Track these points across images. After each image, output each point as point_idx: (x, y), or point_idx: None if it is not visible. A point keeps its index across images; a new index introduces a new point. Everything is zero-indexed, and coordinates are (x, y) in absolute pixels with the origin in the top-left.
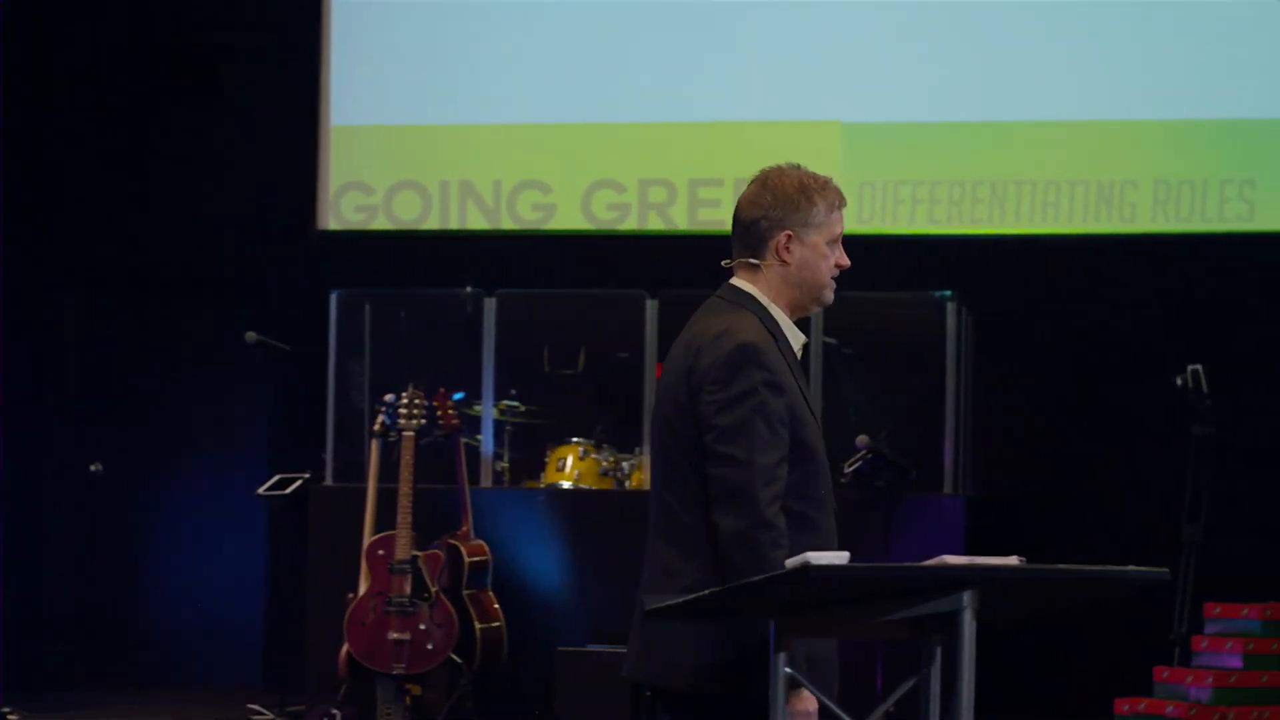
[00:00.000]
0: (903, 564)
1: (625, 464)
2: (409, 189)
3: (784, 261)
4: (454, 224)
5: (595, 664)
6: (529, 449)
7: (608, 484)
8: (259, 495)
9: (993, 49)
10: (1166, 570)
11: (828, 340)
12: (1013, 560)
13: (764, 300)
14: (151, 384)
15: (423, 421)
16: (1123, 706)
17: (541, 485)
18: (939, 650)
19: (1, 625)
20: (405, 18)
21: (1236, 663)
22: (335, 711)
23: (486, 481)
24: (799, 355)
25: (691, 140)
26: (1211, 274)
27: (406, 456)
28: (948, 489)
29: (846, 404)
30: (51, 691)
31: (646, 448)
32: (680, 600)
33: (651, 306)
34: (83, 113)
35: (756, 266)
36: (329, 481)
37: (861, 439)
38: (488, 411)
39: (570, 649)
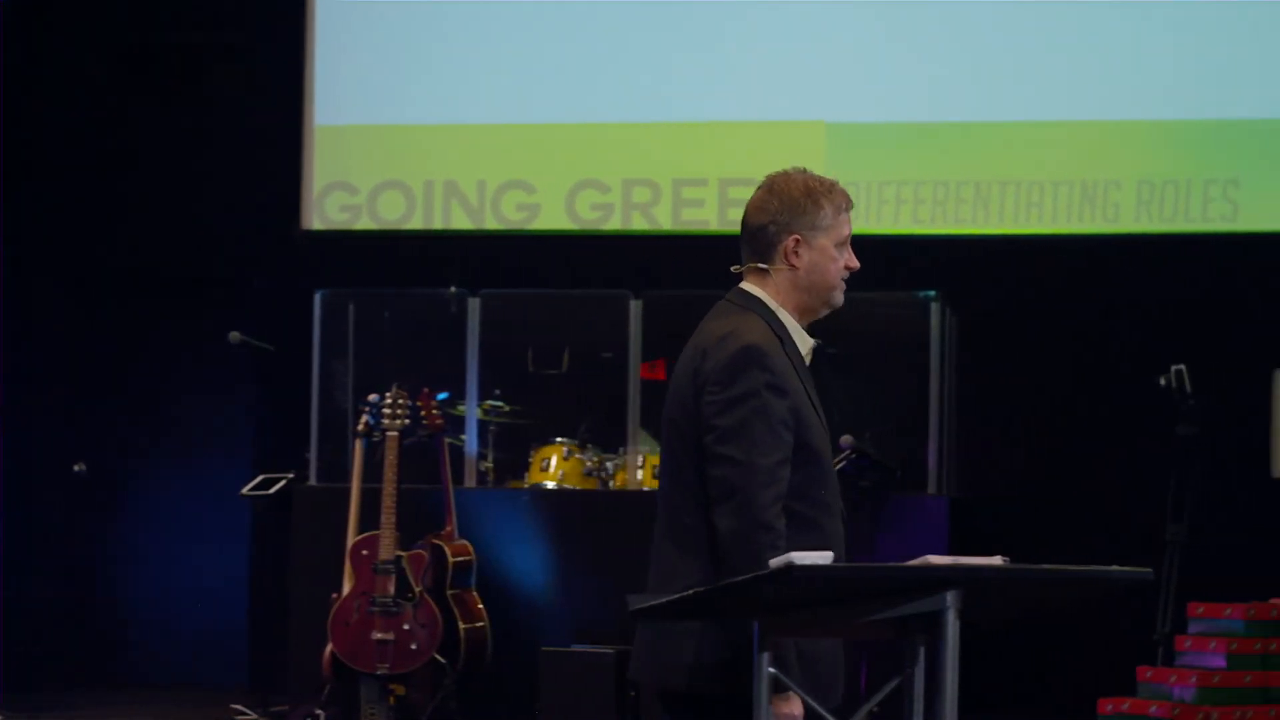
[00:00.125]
0: (886, 564)
1: (609, 464)
2: (393, 189)
3: (793, 265)
4: (438, 224)
5: (579, 664)
6: (513, 449)
7: (592, 484)
8: (243, 495)
9: (976, 49)
10: (1150, 570)
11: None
12: (996, 560)
13: (772, 304)
14: (135, 384)
15: (407, 421)
16: (1106, 706)
17: (525, 485)
18: (922, 650)
19: None
20: (389, 18)
21: (1220, 662)
22: (319, 712)
23: (470, 481)
24: (808, 359)
25: (675, 140)
26: (1195, 274)
27: (390, 456)
28: (932, 489)
29: (831, 404)
30: (34, 692)
31: (630, 447)
32: (663, 600)
33: (635, 306)
34: (67, 112)
35: (765, 271)
36: (313, 481)
37: (846, 439)
38: (472, 411)
39: (554, 649)
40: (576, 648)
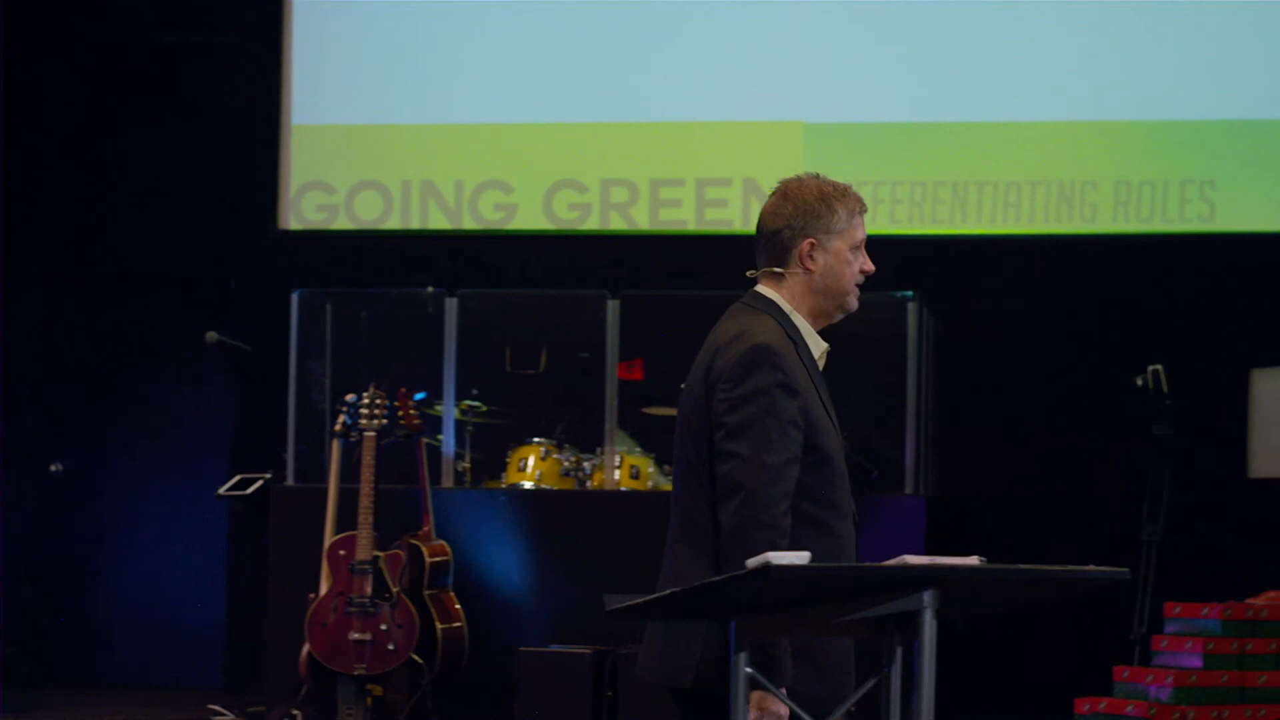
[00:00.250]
0: (864, 564)
1: (587, 464)
2: (370, 189)
3: (808, 269)
4: (415, 224)
5: (557, 664)
6: (490, 449)
7: (569, 484)
8: (219, 495)
9: (954, 50)
10: (1127, 570)
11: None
12: (973, 560)
13: (786, 307)
14: (112, 383)
15: (384, 421)
16: (1083, 706)
17: (503, 485)
18: (900, 650)
19: None
20: (367, 18)
21: (1196, 662)
22: (296, 712)
23: (448, 481)
24: (821, 362)
25: (653, 140)
26: (1172, 274)
27: (367, 457)
28: (909, 489)
29: None
30: (11, 692)
31: (608, 448)
32: (640, 600)
33: (613, 306)
34: (45, 112)
35: (781, 275)
36: (290, 481)
37: None
38: (449, 411)
39: (532, 649)
40: (554, 648)
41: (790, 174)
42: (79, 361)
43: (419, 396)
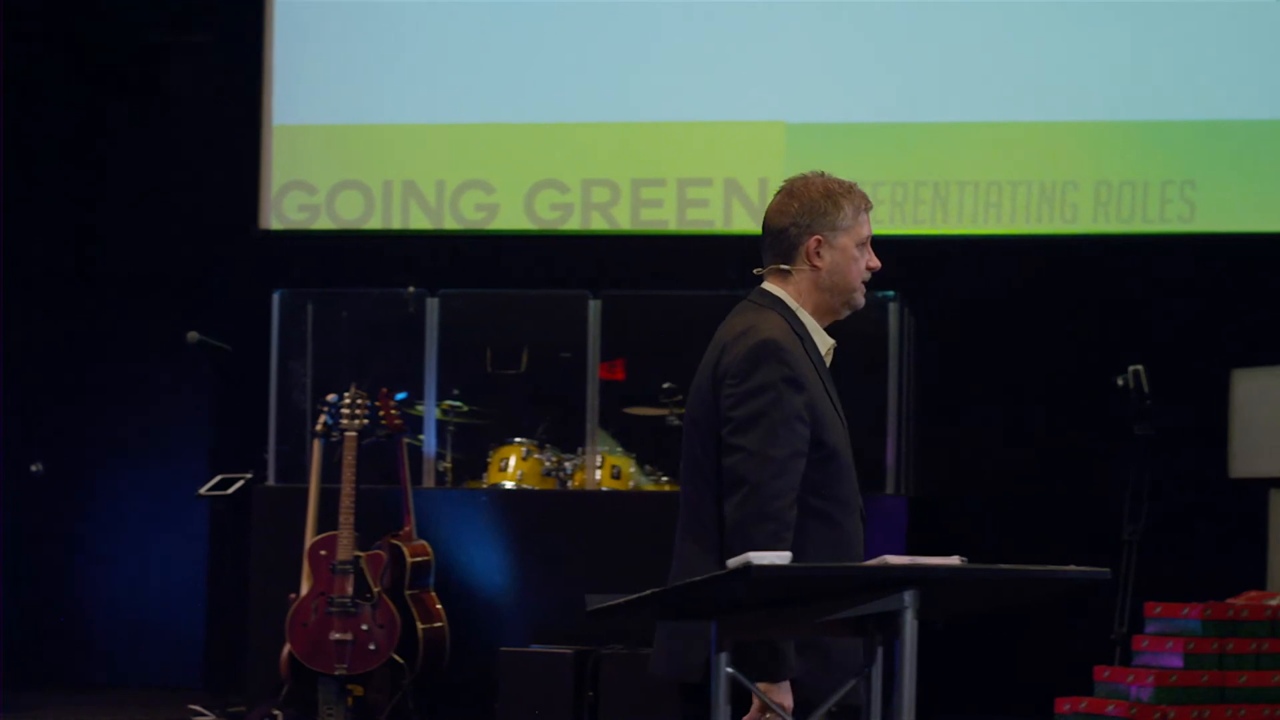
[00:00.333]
0: (844, 564)
1: (568, 464)
2: (351, 189)
3: (815, 266)
4: (397, 224)
5: (538, 664)
6: (471, 449)
7: (550, 484)
8: (200, 495)
9: (935, 51)
10: (1107, 570)
11: None
12: (954, 560)
13: (792, 304)
14: (92, 383)
15: (365, 421)
16: (1063, 706)
17: (484, 485)
18: (880, 649)
19: None
20: (348, 17)
21: (1177, 662)
22: (277, 712)
23: (429, 482)
24: (828, 359)
25: (634, 140)
26: (1153, 274)
27: (348, 457)
28: (890, 489)
29: None
30: None
31: (589, 448)
32: (621, 600)
33: (594, 306)
34: (25, 111)
35: (787, 272)
36: (271, 482)
37: None
38: (430, 411)
39: (513, 649)
40: (535, 648)
41: (771, 174)
42: (60, 361)
43: (400, 396)
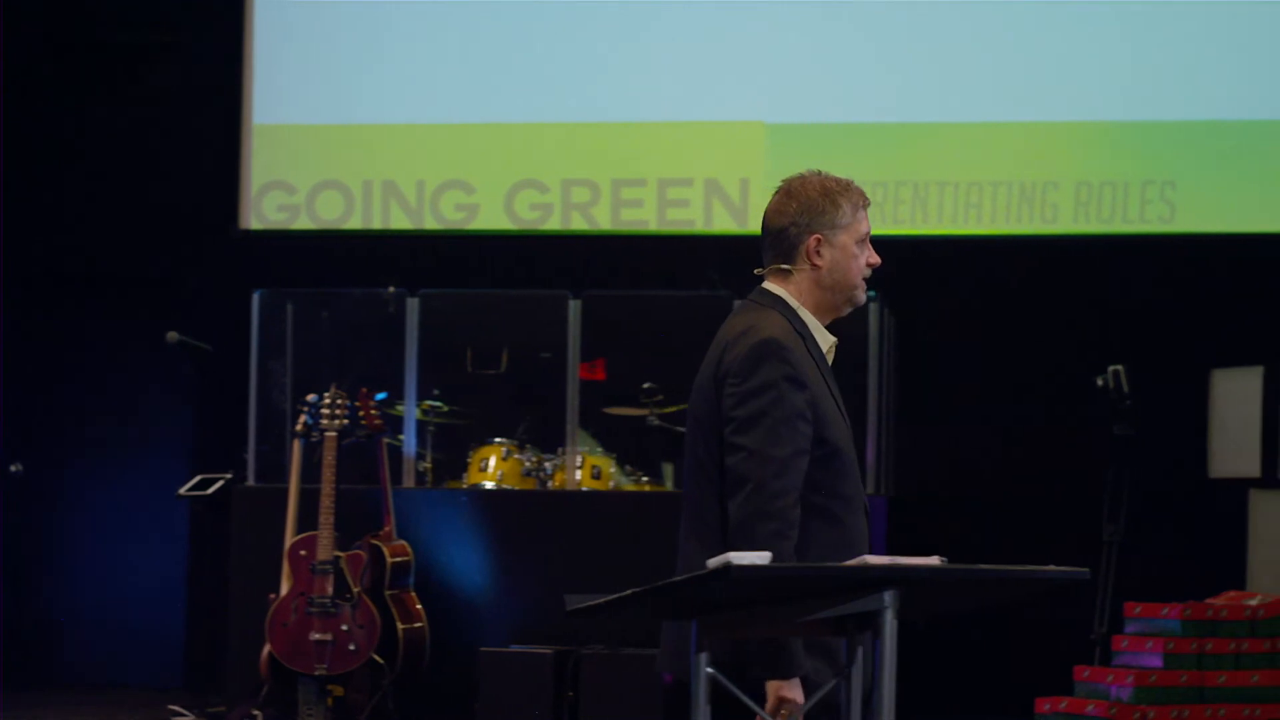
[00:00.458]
0: (824, 564)
1: (548, 464)
2: (331, 188)
3: (815, 265)
4: (377, 224)
5: (518, 664)
6: (451, 449)
7: (530, 484)
8: (180, 495)
9: (916, 50)
10: (1087, 570)
11: None
12: (934, 560)
13: (793, 303)
14: (72, 383)
15: (345, 422)
16: (1043, 706)
17: (464, 485)
18: (860, 649)
19: None
20: (328, 17)
21: (1156, 662)
22: (257, 712)
23: (409, 482)
24: (830, 356)
25: (614, 141)
26: (1133, 275)
27: (328, 457)
28: (870, 489)
29: None
30: None
31: (569, 448)
32: (601, 600)
33: (574, 306)
34: (3, 111)
35: (788, 272)
36: (251, 482)
37: None
38: (410, 412)
39: (493, 649)
40: (515, 648)
41: (752, 174)
42: (40, 362)
43: (380, 396)
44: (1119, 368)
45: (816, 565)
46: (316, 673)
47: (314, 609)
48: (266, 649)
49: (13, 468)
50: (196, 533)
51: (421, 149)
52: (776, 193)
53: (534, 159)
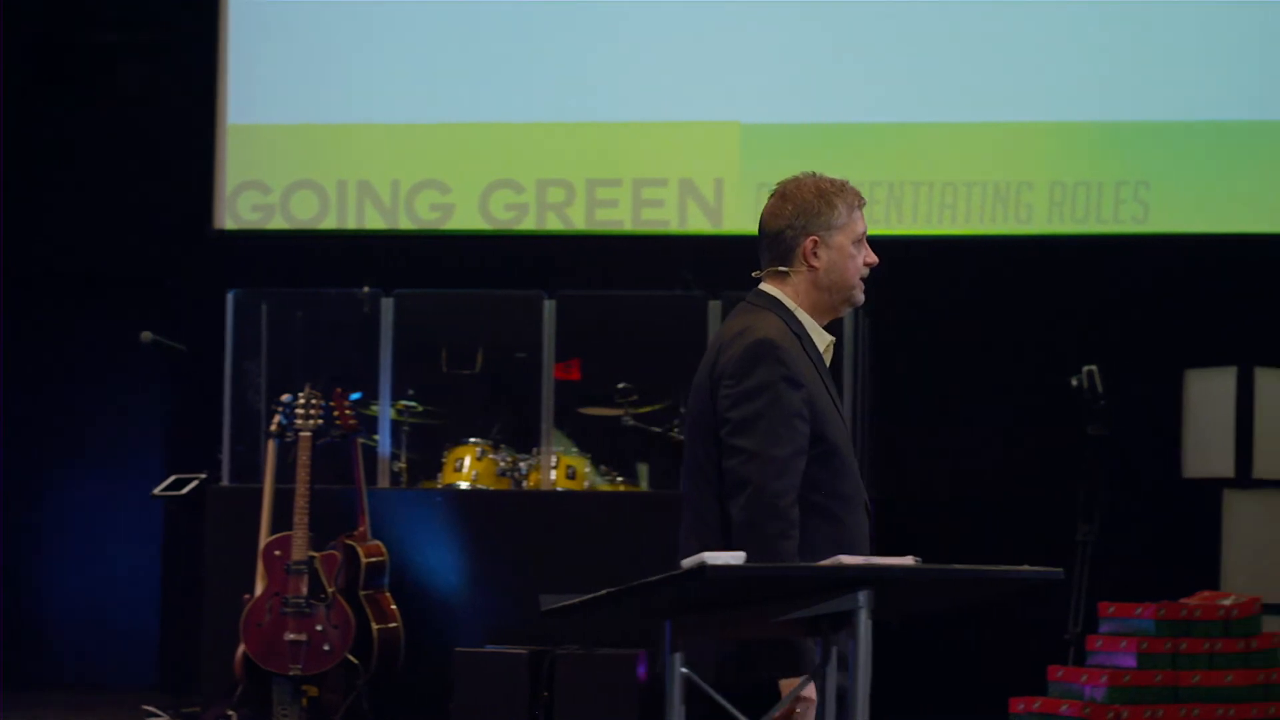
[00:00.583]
0: (799, 564)
1: (523, 464)
2: (306, 188)
3: (812, 266)
4: (351, 224)
5: (493, 665)
6: (426, 449)
7: (505, 484)
8: (154, 495)
9: (890, 51)
10: (1061, 570)
11: None
12: (908, 560)
13: (790, 304)
14: (45, 384)
15: (319, 422)
16: (1018, 705)
17: (439, 485)
18: (835, 649)
19: None
20: (303, 16)
21: (1130, 662)
22: (231, 713)
23: (384, 482)
24: (828, 356)
25: (590, 141)
26: (1107, 275)
27: (303, 457)
28: None
29: None
30: None
31: (544, 448)
32: (575, 600)
33: (549, 307)
34: None
35: (785, 273)
36: (225, 482)
37: None
38: (385, 412)
39: (468, 650)
40: (490, 648)
41: (726, 174)
42: (12, 361)
43: (355, 396)
44: (1093, 368)
45: (791, 565)
46: (291, 673)
47: (289, 609)
48: (241, 649)
49: None
50: (171, 533)
51: (396, 149)
52: (772, 195)
53: (509, 159)
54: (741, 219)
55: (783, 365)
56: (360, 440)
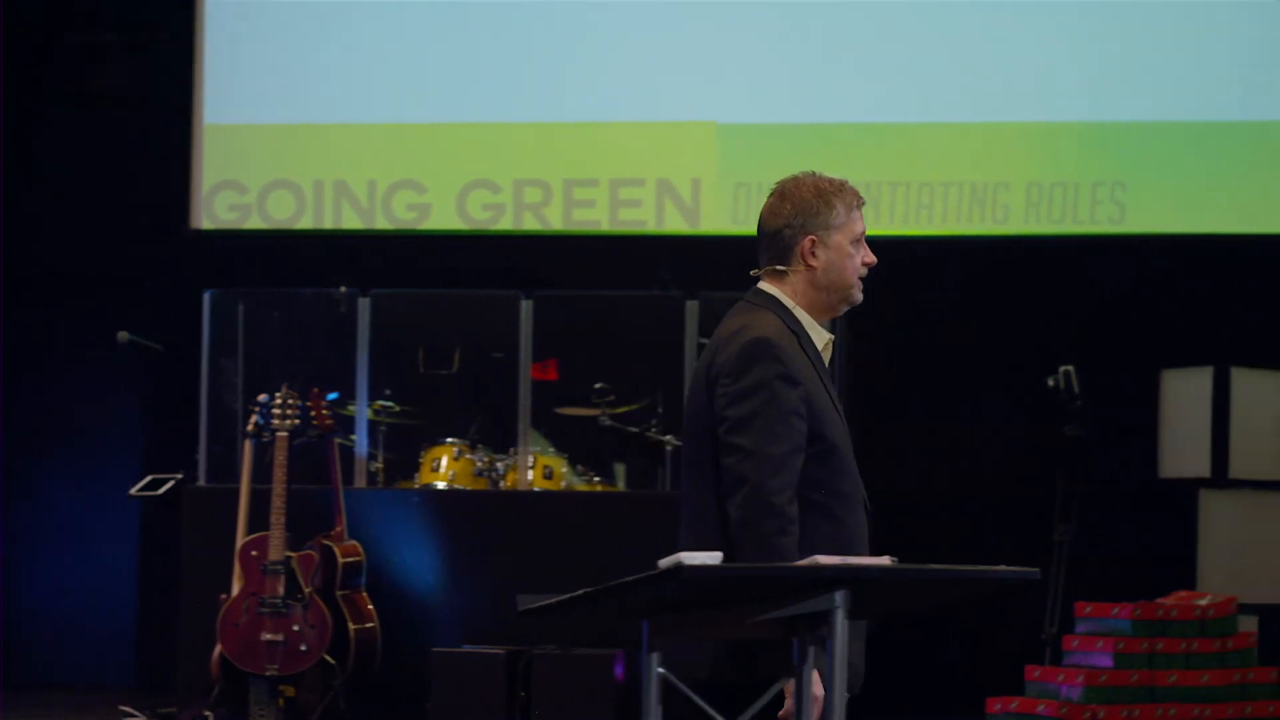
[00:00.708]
0: (775, 564)
1: (500, 464)
2: (283, 188)
3: (810, 266)
4: (328, 223)
5: (470, 665)
6: (403, 449)
7: (482, 484)
8: (131, 496)
9: (866, 50)
10: (1037, 570)
11: (704, 341)
12: (885, 560)
13: (788, 302)
14: (22, 383)
15: (296, 422)
16: (994, 705)
17: (416, 486)
18: (811, 649)
19: None
20: (280, 16)
21: (1107, 662)
22: (208, 713)
23: (360, 482)
24: (826, 354)
25: (566, 141)
26: (1083, 275)
27: (280, 457)
28: None
29: None
30: None
31: (521, 448)
32: (552, 600)
33: (526, 307)
34: None
35: (783, 273)
36: (202, 482)
37: None
38: (362, 412)
39: (445, 650)
40: (467, 648)
41: (703, 174)
42: None
43: (332, 397)
44: (1069, 368)
45: (768, 565)
46: (268, 673)
47: (265, 609)
48: (218, 649)
49: None
50: (148, 533)
51: (373, 149)
52: (771, 195)
53: (486, 159)
54: (718, 219)
55: (780, 363)
56: (337, 440)
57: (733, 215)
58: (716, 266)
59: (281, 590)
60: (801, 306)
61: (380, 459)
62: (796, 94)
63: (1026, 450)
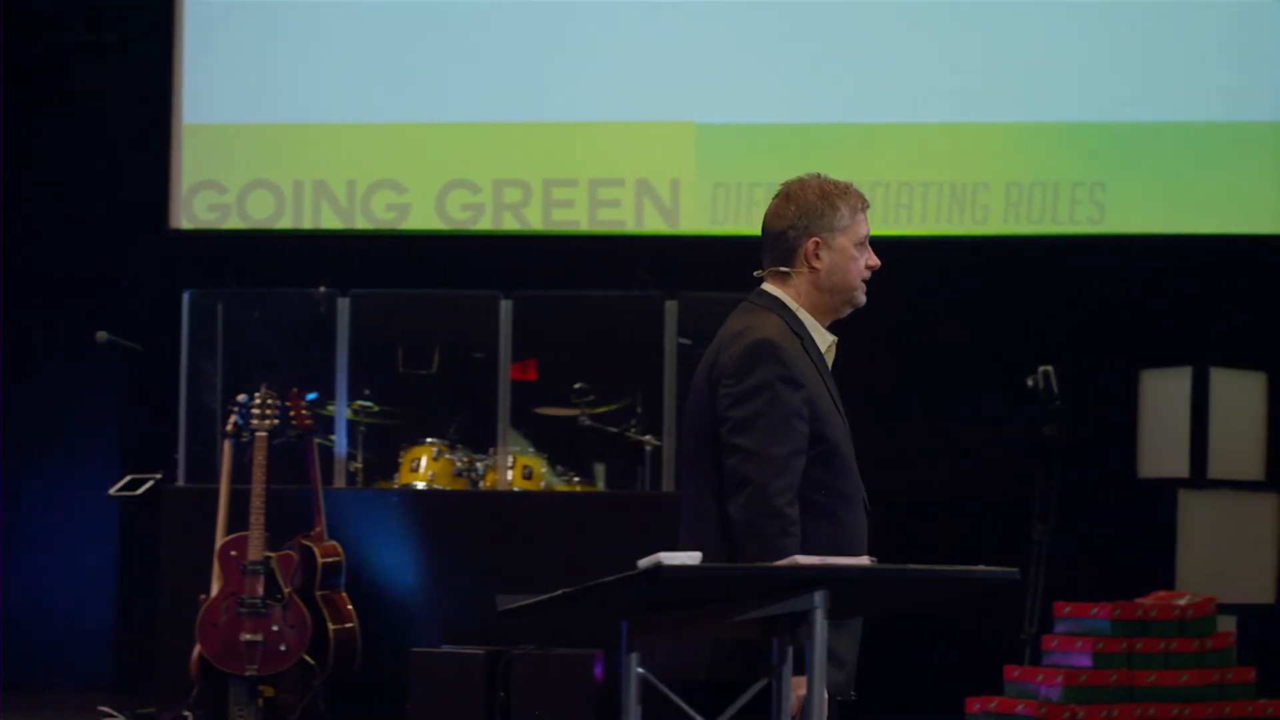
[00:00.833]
0: (755, 564)
1: (479, 464)
2: (262, 188)
3: (814, 268)
4: (308, 223)
5: (449, 664)
6: (383, 449)
7: (462, 484)
8: (110, 496)
9: (845, 51)
10: (1016, 570)
11: (683, 341)
12: (864, 560)
13: (791, 304)
14: (1, 383)
15: (275, 422)
16: (974, 705)
17: (395, 486)
18: (790, 649)
19: None
20: (259, 16)
21: (1086, 662)
22: (187, 713)
23: (340, 482)
24: (829, 356)
25: (546, 141)
26: (1063, 276)
27: (259, 457)
28: None
29: None
30: None
31: (501, 448)
32: (532, 600)
33: (506, 307)
34: None
35: (787, 274)
36: (181, 482)
37: None
38: (341, 412)
39: (424, 650)
40: (446, 648)
41: (682, 174)
42: None
43: (311, 397)
44: (1048, 368)
45: (748, 566)
46: (247, 673)
47: (244, 609)
48: (197, 650)
49: None
50: (127, 533)
51: (352, 149)
52: (776, 196)
53: (465, 159)
54: (698, 219)
55: (782, 365)
56: (316, 440)
57: (712, 215)
58: (696, 266)
59: (261, 590)
60: (804, 308)
61: (359, 459)
62: (775, 94)
63: (1006, 450)
